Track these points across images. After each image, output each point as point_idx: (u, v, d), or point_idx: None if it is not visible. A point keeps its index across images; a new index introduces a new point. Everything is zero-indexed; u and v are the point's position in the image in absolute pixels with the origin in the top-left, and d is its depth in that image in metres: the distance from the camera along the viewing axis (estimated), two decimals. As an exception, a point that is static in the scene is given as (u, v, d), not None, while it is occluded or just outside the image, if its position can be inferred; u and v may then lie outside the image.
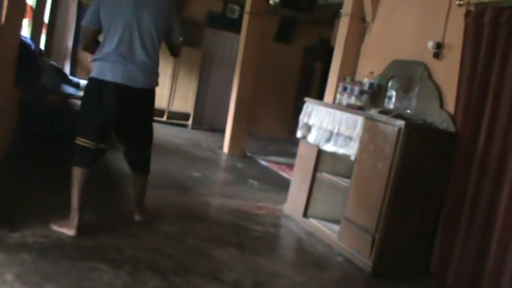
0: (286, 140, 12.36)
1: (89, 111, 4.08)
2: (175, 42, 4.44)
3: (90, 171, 4.10)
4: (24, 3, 5.93)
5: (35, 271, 3.22)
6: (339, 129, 5.07)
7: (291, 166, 7.22)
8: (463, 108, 4.55)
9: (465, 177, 4.43)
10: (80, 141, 4.04)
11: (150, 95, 4.31)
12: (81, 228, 4.03)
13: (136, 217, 4.61)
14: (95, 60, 4.08)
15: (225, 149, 9.77)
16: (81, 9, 11.70)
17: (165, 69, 11.37)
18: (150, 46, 4.13)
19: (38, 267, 3.29)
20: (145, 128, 4.42)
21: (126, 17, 4.03)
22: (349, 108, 5.25)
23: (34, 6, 7.23)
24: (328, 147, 5.24)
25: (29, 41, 6.44)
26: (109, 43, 4.04)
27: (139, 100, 4.21)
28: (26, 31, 6.87)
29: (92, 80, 4.08)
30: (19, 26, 5.75)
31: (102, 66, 4.03)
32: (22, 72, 5.83)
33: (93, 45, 4.18)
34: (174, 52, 4.56)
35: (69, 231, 3.94)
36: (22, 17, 5.91)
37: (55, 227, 3.97)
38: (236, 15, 12.56)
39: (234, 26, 11.69)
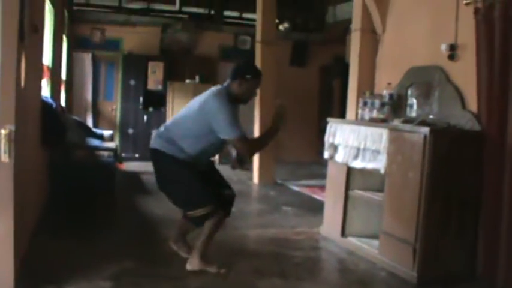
0: (314, 162, 12.30)
1: None
2: (226, 140, 4.35)
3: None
4: (41, 64, 6.05)
5: (83, 326, 3.24)
6: (365, 145, 5.06)
7: (322, 188, 7.17)
8: (486, 106, 4.51)
9: (499, 175, 4.37)
10: None
11: (158, 155, 4.40)
12: (123, 277, 4.06)
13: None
14: None
15: (255, 179, 9.76)
16: (95, 62, 11.90)
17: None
18: (175, 126, 4.40)
19: (85, 321, 3.31)
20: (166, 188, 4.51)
21: None
22: (373, 122, 5.25)
23: (50, 66, 7.37)
24: (357, 164, 5.22)
25: (49, 100, 6.55)
26: None
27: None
28: (45, 91, 6.99)
29: None
30: (39, 87, 5.86)
31: None
32: (47, 131, 5.93)
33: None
34: (235, 149, 4.56)
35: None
36: (40, 77, 6.02)
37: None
38: (248, 46, 12.64)
39: (247, 56, 11.75)
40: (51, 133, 6.09)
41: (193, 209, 4.29)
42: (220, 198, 4.40)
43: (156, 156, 4.36)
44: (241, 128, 4.22)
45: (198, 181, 4.30)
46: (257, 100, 9.72)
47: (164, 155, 4.28)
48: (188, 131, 4.28)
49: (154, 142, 4.37)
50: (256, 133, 9.70)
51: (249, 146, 4.33)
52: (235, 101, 4.34)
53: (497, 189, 4.38)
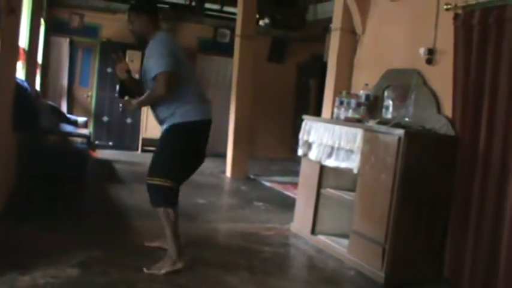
0: (288, 159, 12.35)
1: (181, 154, 4.28)
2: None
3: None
4: (17, 46, 5.96)
5: (48, 312, 3.21)
6: (339, 144, 5.07)
7: (295, 185, 7.19)
8: (461, 111, 4.56)
9: (470, 180, 4.42)
10: (168, 183, 4.17)
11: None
12: (91, 265, 4.03)
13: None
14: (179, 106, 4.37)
15: (228, 173, 9.76)
16: (73, 48, 11.79)
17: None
18: None
19: (50, 308, 3.28)
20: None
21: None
22: (348, 121, 5.27)
23: (26, 49, 7.27)
24: (330, 163, 5.24)
25: (24, 83, 6.46)
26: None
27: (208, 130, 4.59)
28: (20, 74, 6.90)
29: (184, 125, 4.33)
30: (13, 70, 5.78)
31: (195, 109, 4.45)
32: (19, 115, 5.85)
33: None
34: None
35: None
36: (16, 60, 5.93)
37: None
38: (227, 40, 12.62)
39: (226, 50, 11.78)
40: (24, 117, 6.01)
41: None
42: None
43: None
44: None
45: None
46: (233, 93, 9.73)
47: None
48: None
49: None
50: (231, 125, 9.72)
51: None
52: None
53: (467, 194, 4.43)
